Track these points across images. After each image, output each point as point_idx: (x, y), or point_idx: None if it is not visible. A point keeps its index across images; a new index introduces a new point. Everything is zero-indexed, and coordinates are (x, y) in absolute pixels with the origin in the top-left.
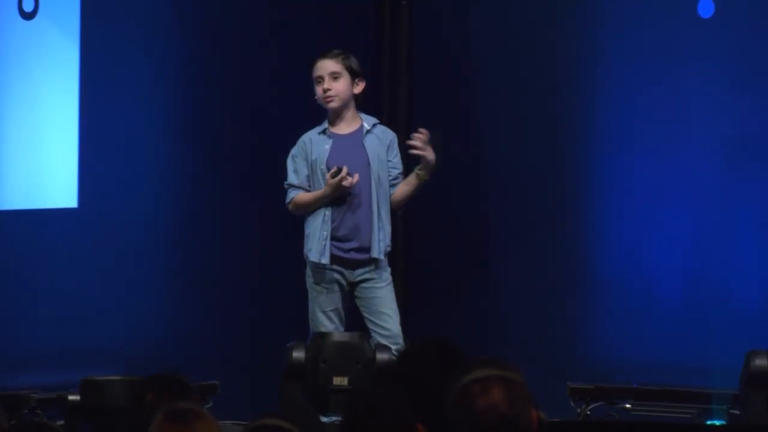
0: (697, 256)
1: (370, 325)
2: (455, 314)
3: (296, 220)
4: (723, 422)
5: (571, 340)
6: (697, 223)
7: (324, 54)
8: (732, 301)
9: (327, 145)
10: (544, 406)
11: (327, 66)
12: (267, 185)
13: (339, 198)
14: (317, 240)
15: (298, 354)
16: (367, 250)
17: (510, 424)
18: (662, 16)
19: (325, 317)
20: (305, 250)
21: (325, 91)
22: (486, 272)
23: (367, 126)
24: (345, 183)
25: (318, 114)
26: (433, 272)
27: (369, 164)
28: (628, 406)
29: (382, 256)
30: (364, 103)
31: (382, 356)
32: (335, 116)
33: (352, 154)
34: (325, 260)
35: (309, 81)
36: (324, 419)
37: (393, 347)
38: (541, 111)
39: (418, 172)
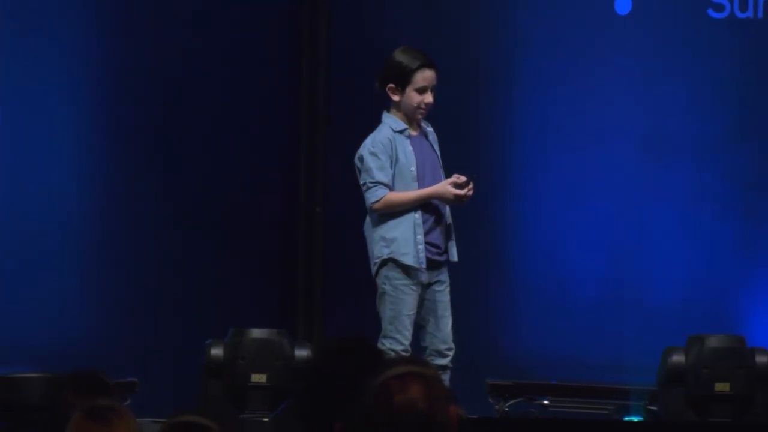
0: (614, 254)
1: (430, 328)
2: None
3: (219, 218)
4: (641, 418)
5: (489, 337)
6: (613, 220)
7: (433, 65)
8: (648, 299)
9: (409, 146)
10: (463, 403)
11: (434, 79)
12: (190, 183)
13: (429, 203)
14: (413, 244)
15: (217, 351)
16: (445, 252)
17: (428, 420)
18: (580, 12)
19: (408, 321)
20: (390, 254)
21: (426, 105)
22: None
23: (427, 128)
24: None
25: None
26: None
27: (439, 164)
28: (546, 402)
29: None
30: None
31: (300, 353)
32: (411, 119)
33: (428, 155)
34: (424, 264)
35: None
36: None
37: (449, 353)
38: (457, 108)
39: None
